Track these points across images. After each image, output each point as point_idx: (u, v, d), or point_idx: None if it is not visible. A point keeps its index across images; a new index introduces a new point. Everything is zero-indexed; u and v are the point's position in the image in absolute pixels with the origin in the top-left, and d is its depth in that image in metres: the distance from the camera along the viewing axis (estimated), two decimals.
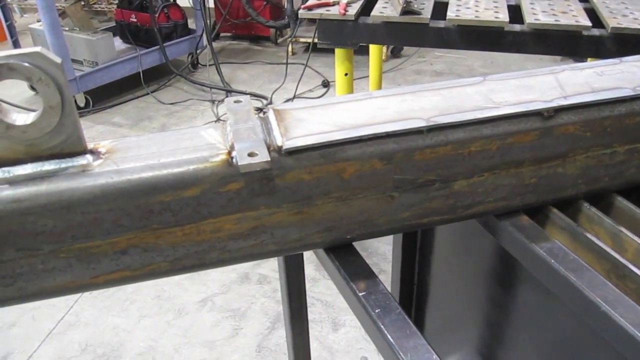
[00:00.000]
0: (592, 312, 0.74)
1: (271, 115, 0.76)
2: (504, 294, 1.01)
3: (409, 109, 0.77)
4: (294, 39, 4.99)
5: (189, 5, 4.63)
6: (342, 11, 1.90)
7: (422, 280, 1.33)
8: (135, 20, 4.46)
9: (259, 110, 0.79)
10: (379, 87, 3.16)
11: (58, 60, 0.61)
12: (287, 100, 3.99)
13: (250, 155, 0.67)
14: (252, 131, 0.72)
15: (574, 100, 0.79)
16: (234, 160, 0.68)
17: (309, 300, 2.40)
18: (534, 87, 0.83)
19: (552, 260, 0.79)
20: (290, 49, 5.03)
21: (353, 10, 1.96)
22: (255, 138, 0.70)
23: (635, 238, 0.84)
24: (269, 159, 0.67)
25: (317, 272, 2.47)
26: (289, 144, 0.70)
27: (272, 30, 5.33)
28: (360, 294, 0.76)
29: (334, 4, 1.97)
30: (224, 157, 0.69)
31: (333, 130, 0.73)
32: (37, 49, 0.61)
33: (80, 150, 0.68)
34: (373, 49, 3.05)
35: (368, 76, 3.28)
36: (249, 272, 2.65)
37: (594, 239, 0.83)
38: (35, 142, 0.65)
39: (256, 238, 0.76)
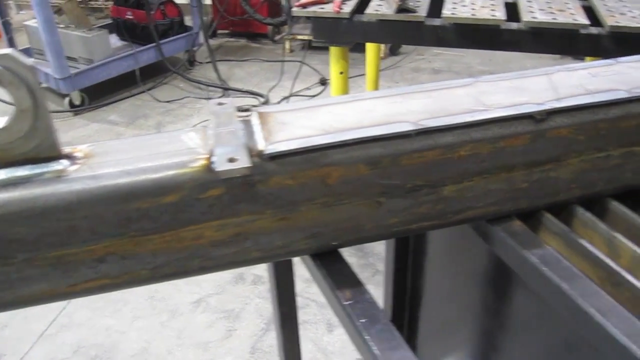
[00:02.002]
0: (585, 322, 0.71)
1: (254, 119, 0.74)
2: (498, 299, 0.99)
3: (398, 112, 0.75)
4: (291, 37, 4.96)
5: (185, 2, 4.60)
6: (337, 9, 1.87)
7: (415, 284, 1.31)
8: (131, 17, 4.43)
9: (246, 111, 0.77)
10: (376, 85, 3.13)
11: (29, 62, 0.59)
12: (284, 99, 3.97)
13: (231, 160, 0.65)
14: (233, 135, 0.70)
15: (567, 103, 0.77)
16: (213, 165, 0.66)
17: (303, 301, 2.38)
18: (527, 88, 0.81)
19: (545, 268, 0.77)
20: (287, 46, 5.00)
21: (348, 7, 1.94)
22: (237, 142, 0.68)
23: (630, 244, 0.82)
24: (250, 165, 0.64)
25: None
26: (271, 148, 0.68)
27: (270, 28, 5.30)
28: (346, 303, 0.74)
29: (328, 2, 1.94)
30: (203, 162, 0.66)
31: (317, 134, 0.70)
32: (8, 51, 0.58)
33: (55, 155, 0.65)
34: (370, 46, 3.03)
35: (365, 74, 3.25)
36: (243, 272, 2.63)
37: (588, 245, 0.81)
38: (7, 147, 0.62)
39: (239, 245, 0.73)
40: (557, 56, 4.27)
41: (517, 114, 0.75)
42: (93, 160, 0.67)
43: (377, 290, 1.95)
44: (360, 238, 0.79)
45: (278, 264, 1.12)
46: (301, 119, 0.74)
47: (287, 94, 4.01)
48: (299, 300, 2.35)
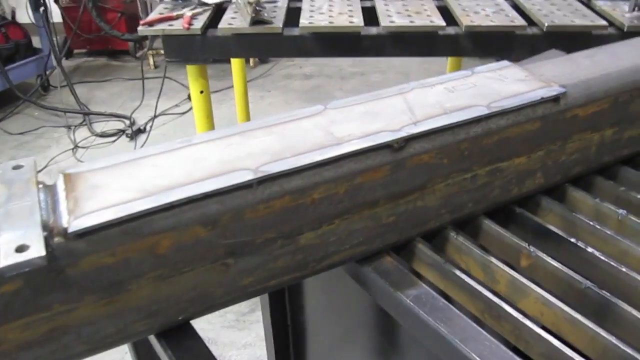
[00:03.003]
0: None
1: (59, 185, 0.60)
2: (387, 342, 0.91)
3: (235, 157, 0.64)
4: (154, 52, 4.71)
5: (30, 22, 4.21)
6: (186, 25, 1.73)
7: (298, 334, 1.21)
8: None
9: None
10: (246, 97, 3.01)
11: None
12: (150, 119, 3.73)
13: (20, 249, 0.50)
14: (28, 211, 0.55)
15: (425, 127, 0.69)
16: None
17: None
18: (381, 113, 0.73)
19: (420, 311, 0.69)
20: (151, 62, 4.75)
21: (199, 22, 1.80)
22: (30, 222, 0.54)
23: (506, 269, 0.77)
24: (44, 254, 0.50)
25: None
26: (77, 224, 0.54)
27: (131, 44, 5.01)
28: None
29: (177, 18, 1.80)
30: None
31: (137, 197, 0.57)
32: None
33: None
34: (234, 59, 2.90)
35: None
36: None
37: (463, 276, 0.75)
38: None
39: (57, 342, 0.59)
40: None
41: (372, 146, 0.66)
42: None
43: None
44: (212, 306, 0.67)
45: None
46: (118, 179, 0.61)
47: (154, 114, 3.77)
48: None
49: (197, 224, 0.59)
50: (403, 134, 0.68)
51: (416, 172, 0.71)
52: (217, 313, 2.37)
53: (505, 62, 0.87)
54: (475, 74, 0.84)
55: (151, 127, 3.72)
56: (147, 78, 4.08)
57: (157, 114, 3.77)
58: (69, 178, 0.61)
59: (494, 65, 0.87)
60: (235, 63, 2.92)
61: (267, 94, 4.33)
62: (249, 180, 0.60)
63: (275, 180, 0.62)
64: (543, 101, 0.78)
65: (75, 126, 3.83)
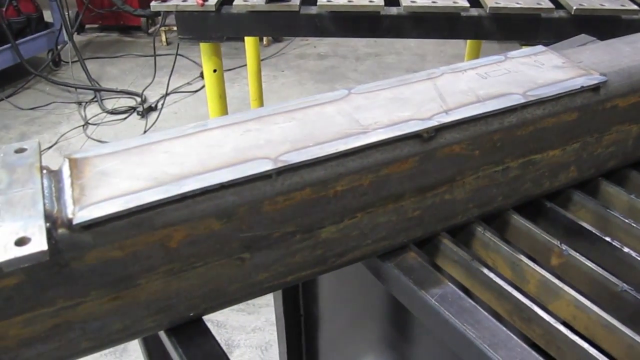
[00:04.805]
0: None
1: (65, 171, 0.55)
2: (402, 341, 0.87)
3: (253, 144, 0.59)
4: (166, 28, 4.65)
5: None
6: (200, 1, 1.68)
7: (310, 330, 1.17)
8: None
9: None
10: (259, 77, 2.95)
11: None
12: (162, 97, 3.68)
13: (20, 242, 0.46)
14: (30, 200, 0.51)
15: (457, 116, 0.64)
16: None
17: None
18: (410, 99, 0.68)
19: (446, 312, 0.65)
20: (164, 38, 4.69)
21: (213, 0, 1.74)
22: (33, 212, 0.49)
23: (537, 268, 0.72)
24: (46, 248, 0.46)
25: None
26: (82, 215, 0.50)
27: (143, 19, 4.94)
28: None
29: None
30: None
31: (148, 186, 0.53)
32: None
33: None
34: (248, 37, 2.84)
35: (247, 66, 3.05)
36: None
37: (491, 274, 0.70)
38: None
39: (60, 338, 0.56)
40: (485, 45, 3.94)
41: (400, 135, 0.61)
42: None
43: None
44: (225, 302, 0.63)
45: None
46: (128, 166, 0.56)
47: (166, 91, 3.72)
48: None
49: (211, 217, 0.55)
50: (434, 122, 0.63)
51: (446, 163, 0.66)
52: None
53: (540, 47, 0.82)
54: (509, 59, 0.79)
55: (162, 104, 3.67)
56: (159, 55, 4.03)
57: (169, 91, 3.72)
58: (74, 163, 0.56)
59: (529, 50, 0.81)
60: (249, 41, 2.86)
61: (280, 74, 4.27)
62: (267, 171, 0.55)
63: (296, 171, 0.57)
64: (582, 90, 0.73)
65: (86, 102, 3.79)
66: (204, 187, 0.53)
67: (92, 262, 0.52)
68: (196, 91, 3.94)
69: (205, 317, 0.65)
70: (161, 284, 0.57)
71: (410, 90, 0.70)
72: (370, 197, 0.63)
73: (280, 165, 0.56)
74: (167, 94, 3.65)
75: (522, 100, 0.68)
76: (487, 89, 0.71)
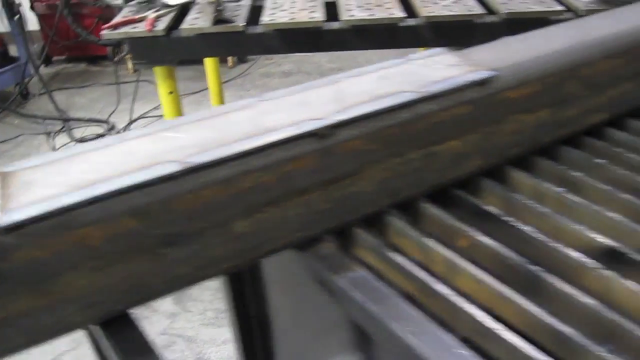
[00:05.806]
0: (398, 345, 0.67)
1: None
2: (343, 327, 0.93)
3: (164, 150, 0.66)
4: (130, 56, 4.71)
5: (4, 30, 4.20)
6: (149, 27, 1.75)
7: (261, 314, 1.23)
8: None
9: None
10: (221, 98, 3.03)
11: None
12: (130, 123, 3.74)
13: None
14: None
15: (350, 114, 0.72)
16: None
17: (168, 338, 2.23)
18: (311, 103, 0.75)
19: (357, 293, 0.72)
20: (129, 66, 4.76)
21: (163, 24, 1.82)
22: None
23: (441, 249, 0.79)
24: None
25: (176, 306, 2.30)
26: (5, 219, 0.56)
27: (109, 48, 5.00)
28: None
29: (140, 20, 1.81)
30: None
31: (66, 191, 0.60)
32: None
33: None
34: (207, 59, 2.92)
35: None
36: None
37: (401, 258, 0.77)
38: None
39: None
40: None
41: (299, 134, 0.69)
42: None
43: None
44: (150, 295, 0.69)
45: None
46: (52, 175, 0.63)
47: (134, 117, 3.78)
48: (163, 339, 2.20)
49: (127, 216, 0.61)
50: (329, 121, 0.70)
51: (346, 158, 0.73)
52: (196, 311, 2.38)
53: (439, 49, 0.90)
54: (409, 61, 0.87)
55: (130, 130, 3.73)
56: (125, 82, 4.10)
57: (136, 117, 3.78)
58: (3, 176, 0.63)
59: (429, 52, 0.90)
60: (209, 63, 2.93)
61: (246, 93, 4.35)
62: (174, 172, 0.62)
63: (202, 171, 0.64)
64: (472, 85, 0.81)
65: (55, 132, 3.84)
66: (116, 189, 0.60)
67: (18, 263, 0.58)
68: (162, 115, 4.00)
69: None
70: (86, 280, 0.63)
71: (314, 95, 0.77)
72: (276, 192, 0.70)
73: (185, 166, 0.63)
74: (132, 120, 3.71)
75: (414, 97, 0.76)
76: (384, 88, 0.78)
